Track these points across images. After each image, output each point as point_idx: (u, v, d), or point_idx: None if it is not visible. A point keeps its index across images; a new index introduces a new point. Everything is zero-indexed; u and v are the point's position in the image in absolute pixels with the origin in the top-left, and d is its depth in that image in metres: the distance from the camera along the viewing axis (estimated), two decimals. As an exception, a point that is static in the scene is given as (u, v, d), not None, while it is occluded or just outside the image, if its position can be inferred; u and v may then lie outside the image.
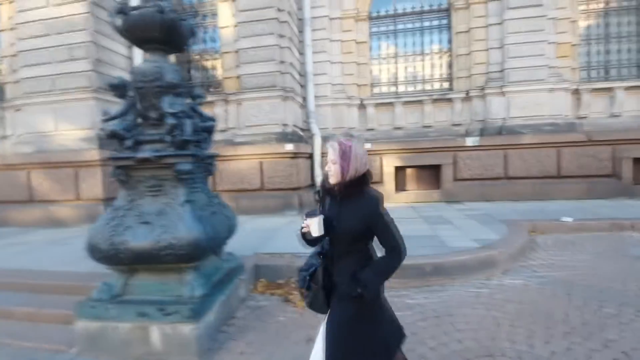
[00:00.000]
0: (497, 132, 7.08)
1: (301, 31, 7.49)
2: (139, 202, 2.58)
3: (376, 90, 8.25)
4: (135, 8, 2.62)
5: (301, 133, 7.38)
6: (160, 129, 2.64)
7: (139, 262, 2.47)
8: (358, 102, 7.93)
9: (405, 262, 1.54)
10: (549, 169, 6.86)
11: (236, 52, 6.92)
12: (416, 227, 4.89)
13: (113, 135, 2.52)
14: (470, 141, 7.11)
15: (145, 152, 2.52)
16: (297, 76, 7.40)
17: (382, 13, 8.00)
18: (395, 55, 8.11)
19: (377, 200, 1.50)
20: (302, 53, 7.53)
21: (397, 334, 1.58)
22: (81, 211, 6.07)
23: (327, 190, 1.58)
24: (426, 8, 7.78)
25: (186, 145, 2.57)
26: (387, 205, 1.57)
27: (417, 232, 4.49)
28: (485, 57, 7.32)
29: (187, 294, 2.44)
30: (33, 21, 6.33)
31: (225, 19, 7.00)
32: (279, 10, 6.70)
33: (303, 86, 7.61)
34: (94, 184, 6.07)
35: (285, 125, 6.77)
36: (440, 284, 3.33)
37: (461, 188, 7.17)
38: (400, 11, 7.93)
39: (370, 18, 8.03)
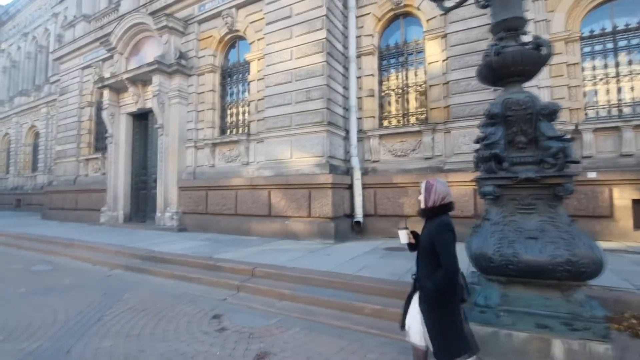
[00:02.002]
0: None
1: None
2: (512, 218, 2.80)
3: (591, 113, 7.47)
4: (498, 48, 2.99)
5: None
6: (525, 152, 2.86)
7: (526, 276, 2.63)
8: (572, 127, 7.29)
9: None
10: None
11: (445, 84, 7.27)
12: None
13: (493, 158, 2.84)
14: None
15: (528, 173, 2.74)
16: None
17: (597, 32, 7.36)
18: (617, 75, 7.26)
19: (445, 224, 2.06)
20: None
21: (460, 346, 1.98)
22: (313, 227, 7.02)
23: (419, 213, 2.28)
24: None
25: (565, 167, 2.70)
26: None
27: None
28: None
29: (587, 314, 2.46)
30: (279, 72, 7.94)
31: (434, 55, 7.48)
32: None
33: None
34: (325, 203, 6.99)
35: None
36: None
37: None
38: (620, 28, 7.17)
39: (582, 38, 7.47)
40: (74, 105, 12.84)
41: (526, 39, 3.12)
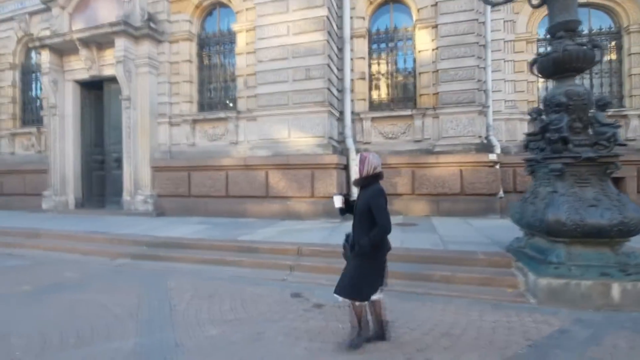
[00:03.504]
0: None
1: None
2: (572, 190, 3.39)
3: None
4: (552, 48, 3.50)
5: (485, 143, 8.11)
6: (580, 135, 3.46)
7: (588, 236, 3.25)
8: (529, 117, 8.57)
9: None
10: None
11: (434, 72, 7.86)
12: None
13: (560, 140, 3.37)
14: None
15: (589, 153, 3.33)
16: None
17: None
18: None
19: (378, 190, 2.49)
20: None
21: (375, 282, 2.51)
22: (317, 207, 7.12)
23: (354, 183, 2.71)
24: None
25: (614, 148, 3.36)
26: None
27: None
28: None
29: (633, 262, 3.18)
30: (273, 47, 7.62)
31: (424, 43, 7.98)
32: (478, 35, 7.59)
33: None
34: (329, 183, 7.12)
35: (480, 137, 7.56)
36: None
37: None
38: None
39: (538, 40, 8.74)
40: (-13, 67, 10.39)
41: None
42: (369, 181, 2.54)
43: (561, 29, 3.59)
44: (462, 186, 7.43)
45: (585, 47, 3.43)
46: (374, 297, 2.54)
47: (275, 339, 2.70)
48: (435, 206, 7.51)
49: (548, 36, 8.38)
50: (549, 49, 3.71)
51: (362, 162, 2.57)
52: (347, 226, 2.77)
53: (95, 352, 2.54)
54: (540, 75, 3.93)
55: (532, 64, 3.92)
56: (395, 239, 5.06)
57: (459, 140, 7.56)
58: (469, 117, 7.54)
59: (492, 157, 7.27)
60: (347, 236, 2.65)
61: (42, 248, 5.64)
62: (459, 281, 3.84)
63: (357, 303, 2.51)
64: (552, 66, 3.61)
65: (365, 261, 2.49)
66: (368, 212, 2.45)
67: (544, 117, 3.75)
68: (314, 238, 5.19)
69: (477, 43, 7.56)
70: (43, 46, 8.69)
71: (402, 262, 4.23)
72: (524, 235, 4.08)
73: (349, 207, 2.70)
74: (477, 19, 7.59)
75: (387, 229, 2.42)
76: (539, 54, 3.97)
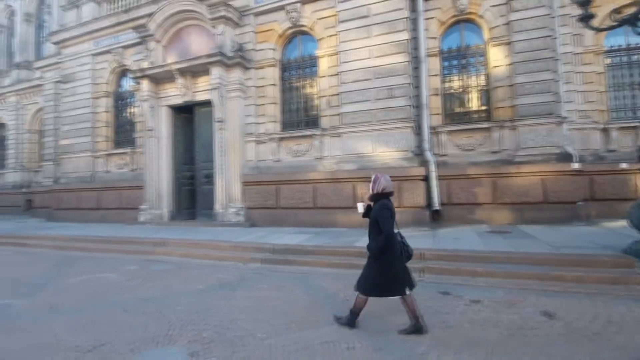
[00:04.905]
0: None
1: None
2: None
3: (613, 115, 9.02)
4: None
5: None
6: None
7: None
8: (602, 126, 8.75)
9: None
10: None
11: (510, 86, 8.24)
12: None
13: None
14: None
15: None
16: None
17: (615, 47, 8.90)
18: (632, 84, 8.86)
19: (384, 204, 3.02)
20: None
21: (385, 285, 2.99)
22: (405, 216, 7.54)
23: (368, 198, 3.21)
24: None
25: None
26: None
27: None
28: None
29: None
30: (356, 69, 8.29)
31: (498, 59, 8.40)
32: (552, 50, 7.95)
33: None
34: (417, 194, 7.60)
35: (559, 147, 7.82)
36: None
37: None
38: (633, 45, 8.76)
39: (605, 52, 8.96)
40: (86, 95, 11.69)
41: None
42: (378, 197, 3.10)
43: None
44: (545, 195, 7.67)
45: None
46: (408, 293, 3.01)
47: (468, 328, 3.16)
48: (518, 215, 7.77)
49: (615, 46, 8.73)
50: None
51: (374, 182, 3.15)
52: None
53: (306, 336, 3.09)
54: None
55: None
56: (502, 244, 5.47)
57: (538, 150, 7.84)
58: (548, 128, 7.84)
59: (575, 166, 7.51)
60: None
61: (176, 255, 6.39)
62: (591, 280, 4.16)
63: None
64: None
65: (375, 263, 3.03)
66: (375, 223, 3.03)
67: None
68: (424, 244, 5.63)
69: (553, 58, 7.91)
70: (144, 76, 9.79)
71: (526, 265, 4.61)
72: (645, 238, 4.37)
73: (367, 214, 3.25)
74: (550, 35, 7.97)
75: (389, 236, 2.93)
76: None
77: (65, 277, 5.20)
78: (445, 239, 6.08)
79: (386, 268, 2.99)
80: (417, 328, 2.96)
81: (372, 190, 3.13)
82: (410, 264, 4.99)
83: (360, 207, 3.28)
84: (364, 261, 5.35)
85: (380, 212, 2.99)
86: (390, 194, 3.12)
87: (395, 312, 3.29)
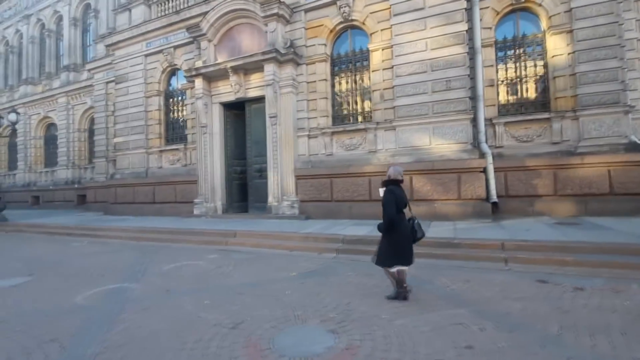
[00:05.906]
0: None
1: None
2: None
3: None
4: None
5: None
6: None
7: None
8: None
9: None
10: None
11: (571, 75, 8.04)
12: None
13: None
14: None
15: None
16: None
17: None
18: None
19: (389, 190, 3.54)
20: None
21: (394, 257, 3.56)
22: (466, 208, 7.59)
23: (381, 184, 3.75)
24: None
25: None
26: None
27: None
28: None
29: None
30: (411, 62, 8.30)
31: (558, 48, 8.20)
32: (619, 37, 7.69)
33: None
34: (478, 186, 7.58)
35: (626, 136, 7.59)
36: None
37: None
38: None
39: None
40: (139, 94, 12.21)
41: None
42: (387, 184, 3.63)
43: None
44: (611, 186, 7.48)
45: None
46: (396, 268, 3.56)
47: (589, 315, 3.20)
48: (582, 206, 7.62)
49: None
50: None
51: (388, 169, 3.82)
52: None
53: (431, 319, 3.22)
54: None
55: None
56: (579, 235, 5.41)
57: (604, 140, 7.64)
58: (614, 117, 7.62)
59: (646, 156, 7.27)
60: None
61: (249, 245, 6.66)
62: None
63: (392, 270, 3.59)
64: None
65: (384, 239, 3.62)
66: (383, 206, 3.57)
67: None
68: (497, 235, 5.66)
69: (619, 45, 7.66)
70: (198, 74, 10.13)
71: (617, 255, 4.56)
72: None
73: None
74: (617, 22, 7.70)
75: (390, 217, 3.46)
76: None
77: (158, 264, 5.54)
78: (516, 230, 6.06)
79: (387, 244, 3.58)
80: (399, 293, 3.58)
81: (387, 176, 3.72)
82: (491, 254, 5.09)
83: (381, 192, 3.68)
84: (441, 251, 5.49)
85: (385, 197, 3.53)
86: (398, 181, 3.63)
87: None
